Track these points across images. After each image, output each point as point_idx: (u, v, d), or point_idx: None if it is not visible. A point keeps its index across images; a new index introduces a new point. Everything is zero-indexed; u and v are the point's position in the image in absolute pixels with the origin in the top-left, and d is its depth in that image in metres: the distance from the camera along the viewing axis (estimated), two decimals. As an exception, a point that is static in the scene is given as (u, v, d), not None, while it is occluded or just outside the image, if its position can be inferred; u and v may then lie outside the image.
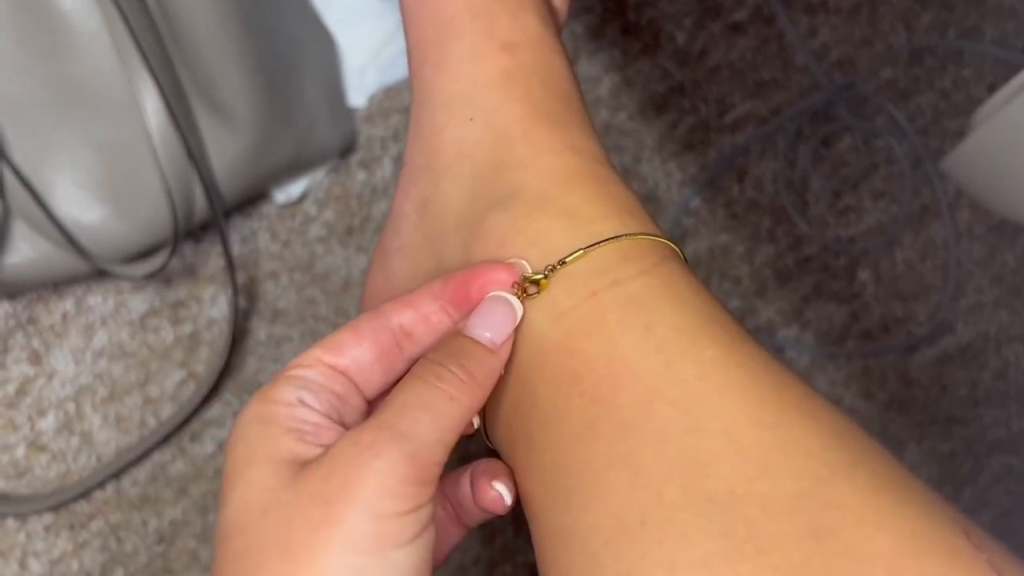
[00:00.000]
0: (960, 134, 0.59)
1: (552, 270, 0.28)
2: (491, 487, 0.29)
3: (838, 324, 0.58)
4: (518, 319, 0.28)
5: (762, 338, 0.57)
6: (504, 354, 0.28)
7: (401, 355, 0.29)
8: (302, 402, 0.27)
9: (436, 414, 0.26)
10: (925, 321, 0.58)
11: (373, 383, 0.28)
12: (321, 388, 0.27)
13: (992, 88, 0.60)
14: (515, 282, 0.28)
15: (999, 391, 0.58)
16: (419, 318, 0.29)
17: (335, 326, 0.53)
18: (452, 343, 0.28)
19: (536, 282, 0.28)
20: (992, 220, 0.59)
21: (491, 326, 0.28)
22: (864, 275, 0.58)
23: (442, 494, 0.30)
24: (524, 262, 0.29)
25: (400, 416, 0.25)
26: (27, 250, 0.48)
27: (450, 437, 0.26)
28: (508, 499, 0.29)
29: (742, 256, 0.58)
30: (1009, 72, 0.60)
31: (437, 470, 0.25)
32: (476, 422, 0.29)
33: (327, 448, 0.26)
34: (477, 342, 0.28)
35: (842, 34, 0.59)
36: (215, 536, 0.26)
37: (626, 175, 0.57)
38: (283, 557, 0.24)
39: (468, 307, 0.29)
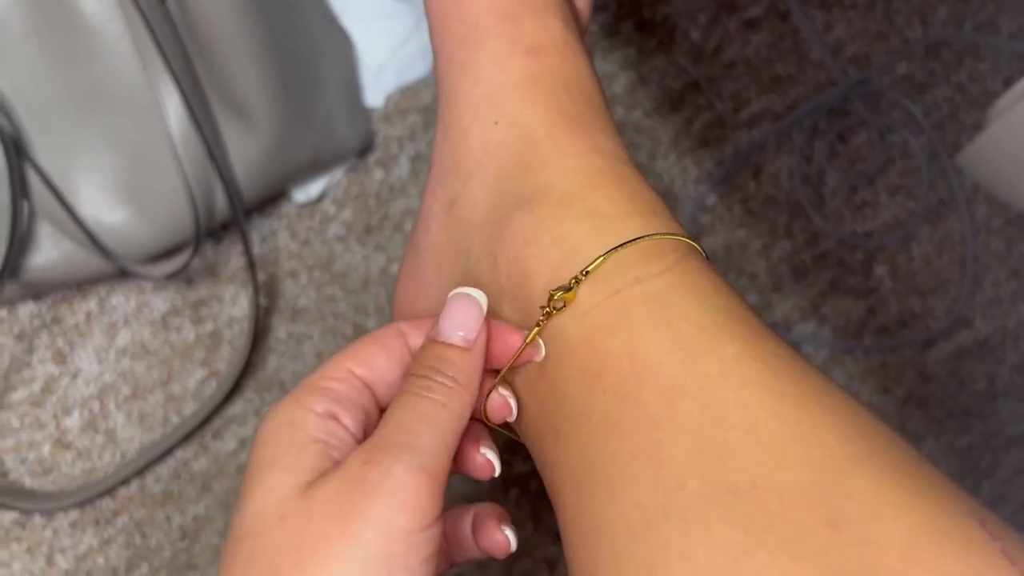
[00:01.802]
0: (977, 128, 0.59)
1: (576, 282, 0.28)
2: (500, 531, 0.30)
3: (855, 319, 0.58)
4: (484, 311, 0.29)
5: (779, 334, 0.57)
6: (479, 349, 0.28)
7: None
8: (334, 417, 0.28)
9: (434, 423, 0.26)
10: (942, 315, 0.58)
11: (392, 396, 0.29)
12: (352, 403, 0.28)
13: (1009, 82, 0.59)
14: (547, 304, 0.29)
15: (1017, 385, 0.58)
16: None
17: (354, 323, 0.54)
18: (428, 353, 0.28)
19: (567, 288, 0.28)
20: (1009, 214, 0.59)
21: (460, 324, 0.28)
22: (881, 270, 0.58)
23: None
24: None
25: (401, 431, 0.26)
26: (51, 251, 0.48)
27: (452, 442, 0.27)
28: (514, 545, 0.30)
29: (759, 252, 0.58)
30: (1026, 66, 0.60)
31: (444, 479, 0.26)
32: (514, 406, 0.30)
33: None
34: (451, 345, 0.28)
35: (857, 29, 0.59)
36: (230, 531, 0.27)
37: (642, 172, 0.57)
38: (295, 567, 0.24)
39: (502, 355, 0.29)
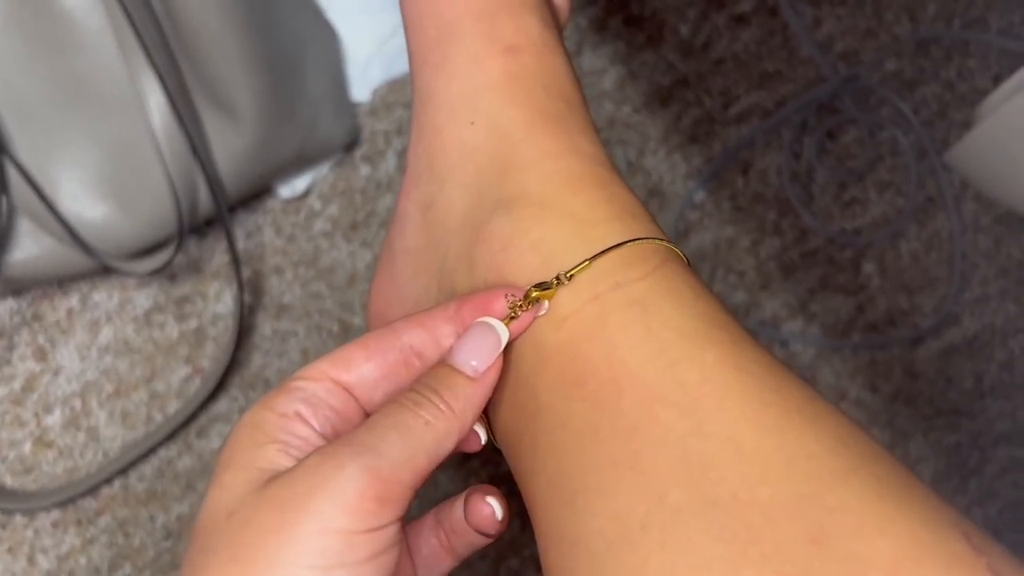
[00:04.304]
0: (966, 125, 0.59)
1: (558, 281, 0.28)
2: (485, 502, 0.29)
3: (844, 317, 0.58)
4: (502, 345, 0.28)
5: (767, 331, 0.57)
6: (487, 382, 0.28)
7: (409, 373, 0.29)
8: (298, 415, 0.27)
9: (407, 434, 0.26)
10: (931, 313, 0.58)
11: (377, 400, 0.29)
12: (320, 402, 0.28)
13: (998, 79, 0.59)
14: (522, 299, 0.28)
15: (1005, 383, 0.58)
16: (430, 340, 0.29)
17: (340, 320, 0.53)
18: (433, 373, 0.28)
19: (545, 286, 0.28)
20: (998, 211, 0.59)
21: (475, 354, 0.28)
22: (869, 267, 0.58)
23: (436, 521, 0.31)
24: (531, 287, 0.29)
25: (370, 434, 0.26)
26: (32, 247, 0.48)
27: (422, 461, 0.26)
28: (500, 514, 0.29)
29: (747, 249, 0.57)
30: (1015, 63, 0.59)
31: (401, 491, 0.25)
32: (483, 436, 0.30)
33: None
34: (457, 371, 0.28)
35: (847, 25, 0.59)
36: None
37: (631, 168, 0.57)
38: (231, 560, 0.24)
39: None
